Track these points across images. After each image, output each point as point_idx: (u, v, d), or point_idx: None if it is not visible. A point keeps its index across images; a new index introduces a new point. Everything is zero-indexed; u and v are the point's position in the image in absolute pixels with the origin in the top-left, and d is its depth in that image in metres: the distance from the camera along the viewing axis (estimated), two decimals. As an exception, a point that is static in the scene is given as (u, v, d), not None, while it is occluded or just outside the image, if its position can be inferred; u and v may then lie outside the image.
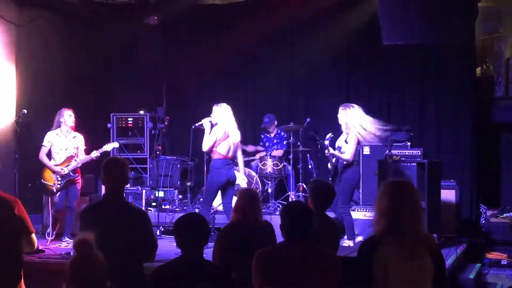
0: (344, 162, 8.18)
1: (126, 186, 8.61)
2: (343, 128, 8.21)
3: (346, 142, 8.15)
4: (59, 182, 8.67)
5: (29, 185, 10.00)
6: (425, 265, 3.72)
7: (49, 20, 10.65)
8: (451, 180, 9.30)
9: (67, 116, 8.77)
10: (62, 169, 8.66)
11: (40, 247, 7.71)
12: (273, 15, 11.02)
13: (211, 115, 8.12)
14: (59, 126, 8.82)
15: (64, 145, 8.77)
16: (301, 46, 11.11)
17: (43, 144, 8.80)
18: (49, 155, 8.83)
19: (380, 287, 3.71)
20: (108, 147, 8.89)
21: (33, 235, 4.62)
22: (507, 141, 10.51)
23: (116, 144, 9.15)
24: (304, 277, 3.91)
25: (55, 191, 8.71)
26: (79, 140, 8.86)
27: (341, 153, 8.16)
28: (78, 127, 8.89)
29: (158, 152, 10.80)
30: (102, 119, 10.97)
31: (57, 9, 10.72)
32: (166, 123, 11.00)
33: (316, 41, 10.92)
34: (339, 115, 8.20)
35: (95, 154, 8.69)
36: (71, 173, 8.67)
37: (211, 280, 3.79)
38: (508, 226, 9.04)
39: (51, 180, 8.71)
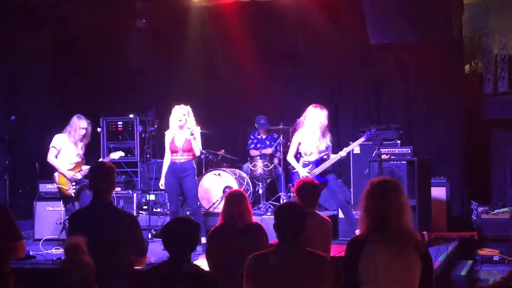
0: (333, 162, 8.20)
1: (116, 190, 8.69)
2: (320, 128, 8.15)
3: (330, 143, 8.16)
4: (74, 187, 8.38)
5: (20, 191, 10.00)
6: (411, 262, 3.72)
7: (36, 24, 10.61)
8: (441, 177, 9.33)
9: (79, 129, 8.46)
10: (75, 174, 8.40)
11: (31, 253, 7.69)
12: (262, 16, 11.07)
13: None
14: (69, 132, 8.51)
15: (75, 151, 8.49)
16: (289, 46, 11.12)
17: (52, 145, 8.41)
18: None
19: (368, 285, 3.71)
20: (114, 155, 8.80)
21: (22, 242, 4.60)
22: (497, 137, 10.55)
23: (122, 153, 9.08)
24: (296, 281, 3.93)
25: (73, 195, 8.39)
26: (81, 147, 8.60)
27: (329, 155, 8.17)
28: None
29: (148, 156, 10.78)
30: (92, 123, 10.91)
31: (44, 13, 10.68)
32: (156, 126, 10.98)
33: (304, 41, 10.93)
34: (324, 116, 8.16)
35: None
36: (84, 179, 8.32)
37: (196, 284, 3.78)
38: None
39: (66, 184, 8.40)
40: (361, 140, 8.23)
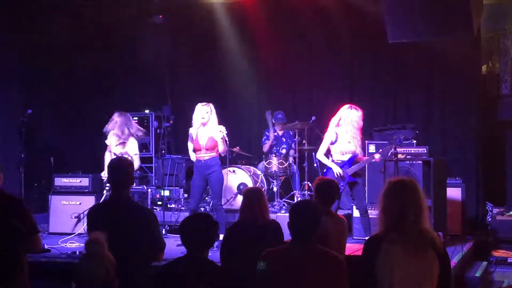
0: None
1: (132, 185, 8.69)
2: (356, 129, 7.97)
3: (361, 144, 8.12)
4: (107, 186, 8.49)
5: (35, 184, 10.04)
6: (429, 261, 3.73)
7: (53, 18, 10.64)
8: (457, 178, 9.27)
9: (112, 121, 8.68)
10: (104, 175, 8.55)
11: (46, 247, 7.72)
12: (278, 13, 11.05)
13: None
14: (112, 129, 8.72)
15: (113, 149, 8.64)
16: (305, 43, 11.11)
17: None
18: None
19: (385, 284, 3.71)
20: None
21: (38, 235, 4.62)
22: (513, 139, 10.49)
23: None
24: (309, 278, 3.92)
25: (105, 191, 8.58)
26: (128, 146, 8.65)
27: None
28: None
29: (163, 151, 10.80)
30: (107, 119, 10.93)
31: (62, 8, 10.71)
32: (171, 122, 10.99)
33: (321, 39, 10.91)
34: (359, 117, 7.99)
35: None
36: None
37: (213, 281, 3.79)
38: None
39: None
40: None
